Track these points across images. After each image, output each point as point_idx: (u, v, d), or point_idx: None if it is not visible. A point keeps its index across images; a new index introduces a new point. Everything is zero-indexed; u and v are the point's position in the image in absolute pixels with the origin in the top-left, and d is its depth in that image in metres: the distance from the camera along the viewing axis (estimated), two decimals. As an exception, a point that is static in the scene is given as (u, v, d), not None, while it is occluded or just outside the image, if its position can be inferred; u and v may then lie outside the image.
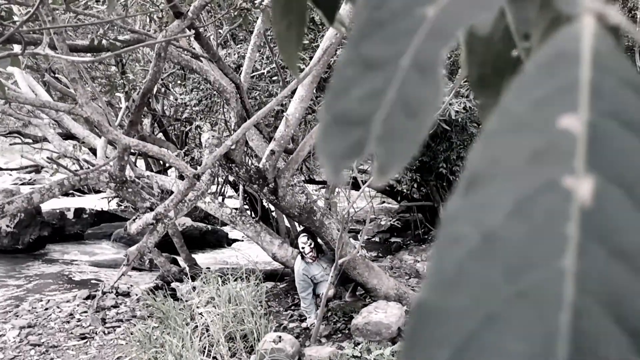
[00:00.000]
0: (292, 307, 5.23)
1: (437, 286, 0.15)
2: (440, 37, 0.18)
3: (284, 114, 4.16)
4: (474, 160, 0.16)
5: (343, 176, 0.19)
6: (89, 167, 3.92)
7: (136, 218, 3.01)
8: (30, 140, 8.10)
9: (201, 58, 3.79)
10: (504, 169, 0.16)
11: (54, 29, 1.86)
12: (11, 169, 10.74)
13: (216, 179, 5.87)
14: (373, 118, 0.19)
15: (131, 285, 6.05)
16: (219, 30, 5.21)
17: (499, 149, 0.16)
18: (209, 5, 4.14)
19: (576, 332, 0.14)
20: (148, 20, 4.51)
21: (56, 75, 6.22)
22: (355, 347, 3.89)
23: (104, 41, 3.20)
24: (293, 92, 4.17)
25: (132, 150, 3.31)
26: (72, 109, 2.08)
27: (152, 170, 7.46)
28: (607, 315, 0.14)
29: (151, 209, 2.98)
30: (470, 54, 0.30)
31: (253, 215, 5.60)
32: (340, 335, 4.39)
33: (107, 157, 3.53)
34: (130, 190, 3.12)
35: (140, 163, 8.40)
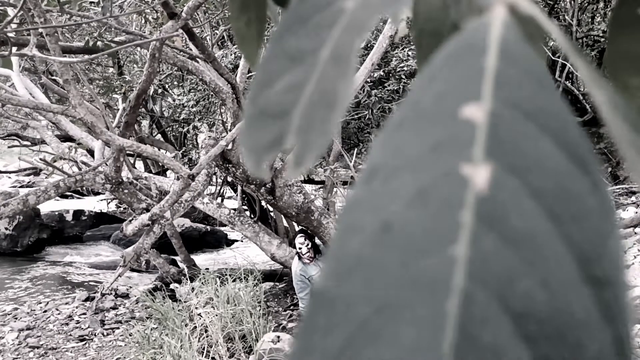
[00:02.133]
0: (291, 307, 5.23)
1: (333, 274, 0.15)
2: (356, 29, 0.19)
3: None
4: (376, 150, 0.16)
5: (265, 169, 0.19)
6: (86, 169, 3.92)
7: (132, 219, 3.01)
8: (28, 143, 8.10)
9: (198, 59, 3.79)
10: (406, 159, 0.16)
11: (46, 31, 1.86)
12: (10, 172, 10.74)
13: (216, 179, 5.87)
14: (293, 110, 0.19)
15: (130, 287, 6.06)
16: (215, 31, 5.21)
17: (402, 139, 0.16)
18: (205, 5, 4.14)
19: (463, 318, 0.14)
20: (143, 21, 4.51)
21: (54, 77, 6.22)
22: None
23: (99, 43, 3.20)
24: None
25: (128, 152, 3.31)
26: (65, 110, 2.08)
27: (150, 172, 7.46)
28: (494, 301, 0.14)
29: (147, 210, 2.98)
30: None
31: (252, 216, 5.60)
32: (338, 334, 4.38)
33: (105, 158, 3.53)
34: (126, 191, 3.12)
35: (139, 164, 8.40)
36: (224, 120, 4.60)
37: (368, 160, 0.16)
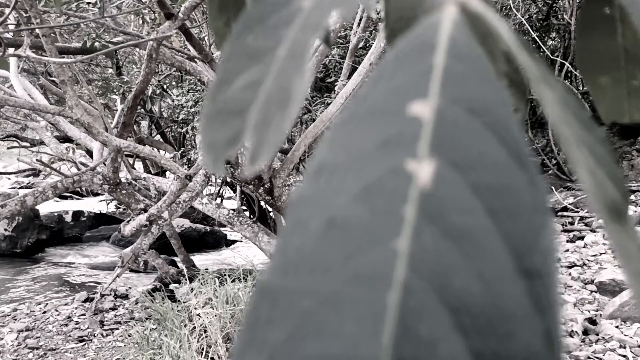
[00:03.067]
0: (290, 307, 5.22)
1: (278, 268, 0.15)
2: (311, 27, 0.19)
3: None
4: (324, 147, 0.16)
5: (222, 166, 0.20)
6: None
7: (130, 220, 3.01)
8: (27, 144, 8.11)
9: (196, 59, 3.80)
10: (353, 156, 0.16)
11: (43, 31, 1.87)
12: (9, 173, 10.75)
13: (215, 180, 5.87)
14: (250, 108, 0.19)
15: (129, 288, 6.06)
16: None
17: (350, 136, 0.16)
18: (203, 6, 4.14)
19: (403, 311, 0.14)
20: (141, 22, 4.52)
21: (52, 78, 6.22)
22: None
23: (96, 43, 3.20)
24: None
25: (127, 153, 3.31)
26: (62, 111, 2.08)
27: (150, 172, 7.46)
28: (432, 294, 0.14)
29: (145, 211, 2.99)
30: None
31: (251, 216, 5.60)
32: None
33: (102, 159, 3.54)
34: (124, 192, 3.12)
35: (139, 165, 8.41)
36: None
37: (315, 157, 0.16)
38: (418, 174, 0.15)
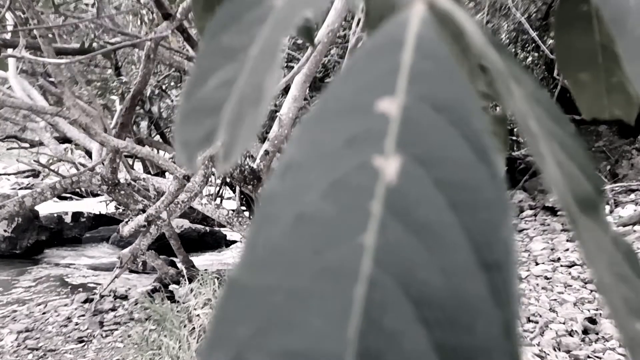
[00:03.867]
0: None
1: (247, 264, 0.16)
2: (283, 25, 0.19)
3: (277, 114, 4.17)
4: (293, 145, 0.17)
5: (197, 165, 0.20)
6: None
7: (129, 220, 3.01)
8: (27, 145, 8.11)
9: (194, 60, 3.80)
10: (321, 153, 0.16)
11: (39, 32, 1.87)
12: (9, 174, 10.76)
13: (214, 180, 5.87)
14: (224, 106, 0.20)
15: (129, 288, 6.06)
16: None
17: (318, 133, 0.17)
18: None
19: (368, 305, 0.14)
20: (139, 22, 4.52)
21: (52, 79, 6.22)
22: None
23: (94, 44, 3.21)
24: (287, 91, 4.18)
25: (125, 153, 3.31)
26: (59, 111, 2.09)
27: (149, 173, 7.46)
28: (397, 287, 0.14)
29: (143, 211, 2.99)
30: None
31: (250, 217, 5.60)
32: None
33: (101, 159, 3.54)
34: (122, 192, 3.12)
35: (138, 166, 8.41)
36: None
37: (284, 155, 0.17)
38: (384, 170, 0.16)
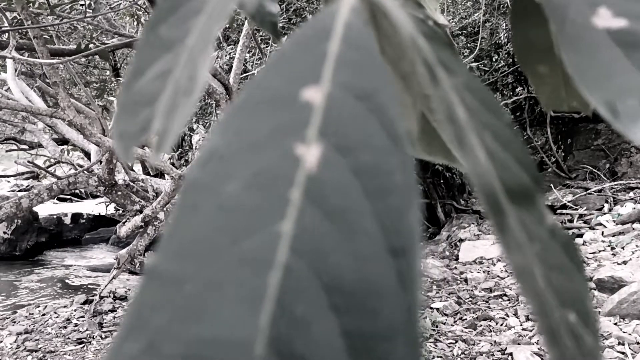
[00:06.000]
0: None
1: (166, 253, 0.15)
2: (217, 16, 0.19)
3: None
4: (216, 134, 0.17)
5: (133, 155, 0.20)
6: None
7: (126, 221, 3.02)
8: (26, 147, 8.12)
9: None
10: (246, 142, 0.16)
11: (33, 33, 1.87)
12: (8, 176, 10.77)
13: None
14: (160, 97, 0.20)
15: (128, 289, 6.06)
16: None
17: (244, 122, 0.17)
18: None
19: (282, 292, 0.14)
20: (136, 24, 4.52)
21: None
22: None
23: (91, 45, 3.21)
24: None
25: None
26: (54, 112, 2.09)
27: (149, 174, 7.46)
28: (311, 274, 0.14)
29: (141, 212, 2.99)
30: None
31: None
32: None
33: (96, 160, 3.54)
34: (119, 193, 3.13)
35: (138, 167, 8.40)
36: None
37: (207, 143, 0.17)
38: (306, 158, 0.16)
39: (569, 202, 5.79)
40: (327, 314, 0.14)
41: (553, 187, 6.12)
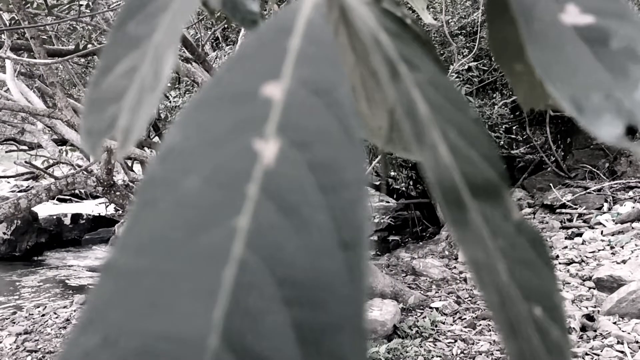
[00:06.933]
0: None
1: (124, 248, 0.16)
2: (182, 13, 0.19)
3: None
4: (175, 130, 0.17)
5: (101, 152, 0.20)
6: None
7: (124, 222, 3.01)
8: (26, 147, 8.12)
9: (190, 61, 3.80)
10: (205, 137, 0.16)
11: (31, 33, 1.87)
12: (8, 177, 10.78)
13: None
14: (126, 93, 0.20)
15: (128, 289, 6.06)
16: (208, 31, 5.23)
17: (204, 118, 0.17)
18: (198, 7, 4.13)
19: (236, 286, 0.14)
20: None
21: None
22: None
23: (89, 45, 3.21)
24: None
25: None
26: (51, 113, 2.09)
27: (148, 174, 7.43)
28: (265, 268, 0.14)
29: (139, 212, 3.00)
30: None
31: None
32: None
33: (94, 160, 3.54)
34: (118, 193, 3.13)
35: (137, 167, 8.40)
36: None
37: (166, 139, 0.17)
38: (264, 154, 0.16)
39: (568, 201, 5.78)
40: (279, 307, 0.14)
41: (552, 187, 6.11)
